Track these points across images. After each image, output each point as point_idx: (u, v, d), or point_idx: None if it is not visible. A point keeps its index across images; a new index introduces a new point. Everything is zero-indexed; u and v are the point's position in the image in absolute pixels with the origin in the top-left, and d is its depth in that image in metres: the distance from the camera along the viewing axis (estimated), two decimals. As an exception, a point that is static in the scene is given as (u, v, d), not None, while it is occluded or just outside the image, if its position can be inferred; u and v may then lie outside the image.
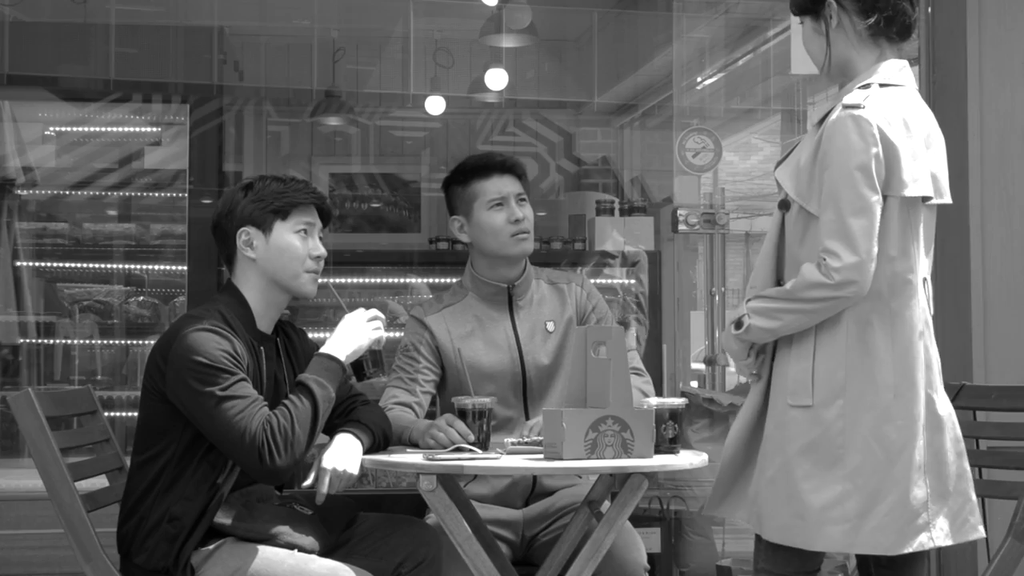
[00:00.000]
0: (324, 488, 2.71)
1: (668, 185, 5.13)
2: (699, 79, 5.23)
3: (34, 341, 5.04)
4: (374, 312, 2.87)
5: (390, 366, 3.15)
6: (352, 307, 2.90)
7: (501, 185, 3.21)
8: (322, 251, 2.86)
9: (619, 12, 5.92)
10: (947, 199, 2.63)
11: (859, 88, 2.54)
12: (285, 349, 2.92)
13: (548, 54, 6.25)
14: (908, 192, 2.48)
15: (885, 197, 2.47)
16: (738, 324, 2.58)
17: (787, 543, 2.52)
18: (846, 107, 2.48)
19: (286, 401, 2.68)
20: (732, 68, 5.20)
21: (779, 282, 2.59)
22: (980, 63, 3.85)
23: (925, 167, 2.53)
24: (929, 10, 4.02)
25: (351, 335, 2.81)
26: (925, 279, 2.57)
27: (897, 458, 2.46)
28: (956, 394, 3.16)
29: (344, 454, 2.74)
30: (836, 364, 2.48)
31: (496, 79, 5.84)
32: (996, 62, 3.85)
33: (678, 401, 2.81)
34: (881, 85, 2.53)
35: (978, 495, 3.15)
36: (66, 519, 2.66)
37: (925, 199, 2.54)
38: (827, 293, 2.45)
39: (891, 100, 2.52)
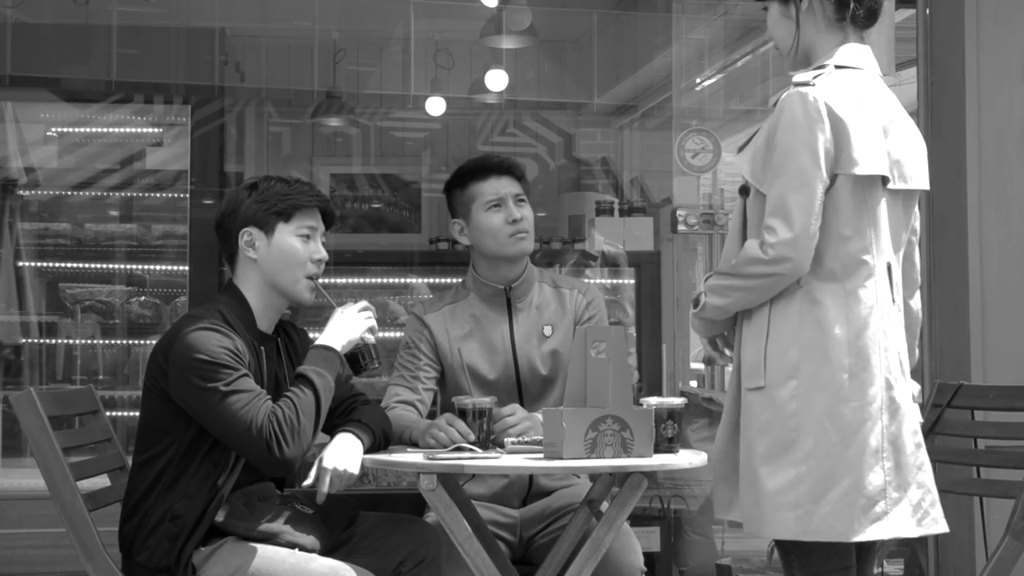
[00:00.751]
0: (325, 487, 2.72)
1: (667, 186, 5.15)
2: (698, 80, 5.24)
3: (36, 341, 5.06)
4: (364, 303, 2.89)
5: (389, 364, 3.16)
6: (343, 305, 2.92)
7: (498, 186, 3.21)
8: (324, 255, 2.87)
9: (619, 13, 5.93)
10: (915, 184, 2.58)
11: (813, 68, 2.53)
12: (286, 349, 2.93)
13: (548, 55, 6.26)
14: (859, 170, 2.44)
15: (836, 176, 2.45)
16: (695, 302, 2.58)
17: (750, 531, 2.49)
18: (795, 84, 2.47)
19: (288, 393, 2.70)
20: (731, 69, 5.21)
21: None
22: (978, 64, 3.84)
23: (881, 148, 2.49)
24: (927, 11, 4.02)
25: (344, 326, 2.83)
26: (889, 264, 2.52)
27: (852, 440, 2.42)
28: (954, 394, 3.16)
29: (345, 453, 2.75)
30: (788, 343, 2.46)
31: (496, 80, 5.85)
32: (994, 63, 3.85)
33: (677, 401, 2.81)
34: (837, 67, 2.51)
35: (976, 494, 3.16)
36: (68, 518, 2.66)
37: (884, 181, 2.50)
38: (764, 269, 2.44)
39: (845, 81, 2.50)
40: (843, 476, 2.41)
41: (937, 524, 2.53)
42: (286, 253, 2.82)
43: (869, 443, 2.42)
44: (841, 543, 2.46)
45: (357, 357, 2.88)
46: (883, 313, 2.48)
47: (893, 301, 2.52)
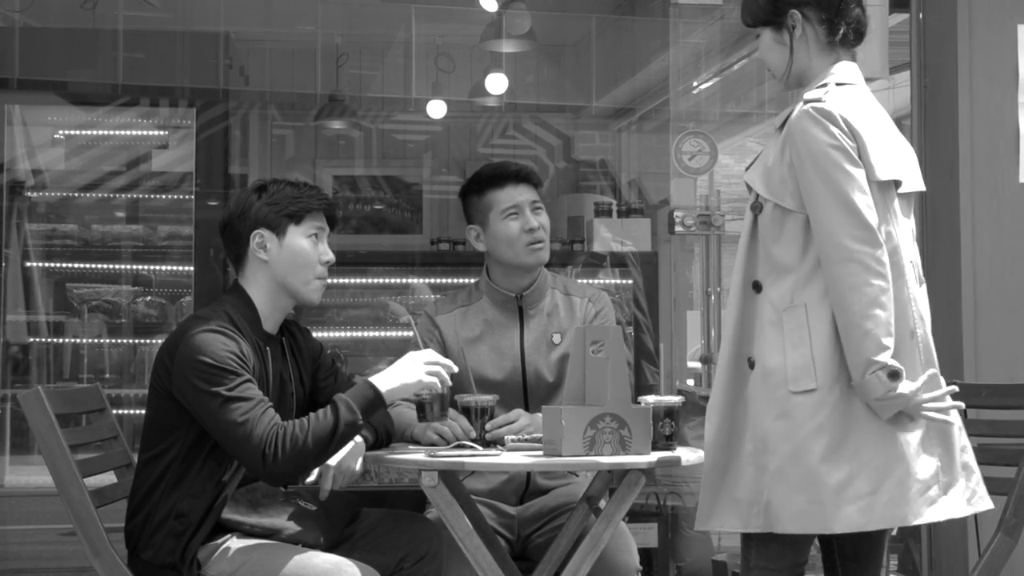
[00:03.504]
0: (328, 484, 2.75)
1: (665, 187, 5.16)
2: (695, 84, 5.25)
3: (44, 340, 5.07)
4: (435, 357, 2.79)
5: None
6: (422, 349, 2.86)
7: (515, 194, 3.23)
8: (331, 256, 2.90)
9: (617, 18, 5.94)
10: (917, 187, 2.66)
11: (818, 87, 2.59)
12: (291, 348, 2.95)
13: (547, 59, 6.27)
14: (881, 175, 2.51)
15: None
16: (894, 374, 2.45)
17: (804, 531, 2.53)
18: (807, 102, 2.53)
19: (311, 414, 2.69)
20: (727, 73, 5.22)
21: (754, 283, 2.61)
22: (970, 68, 3.87)
23: (894, 155, 2.57)
24: (920, 16, 4.04)
25: (402, 373, 2.75)
26: (912, 262, 2.59)
27: (900, 432, 2.48)
28: (947, 392, 3.23)
29: (347, 451, 2.79)
30: (833, 347, 2.50)
31: (496, 83, 5.86)
32: (986, 67, 3.88)
33: (675, 399, 2.84)
34: (838, 84, 2.58)
35: (968, 491, 3.21)
36: (75, 514, 2.68)
37: (896, 185, 2.57)
38: (866, 274, 2.44)
39: (848, 95, 2.56)
40: (895, 465, 2.47)
41: (984, 501, 2.61)
42: (297, 255, 2.85)
43: (917, 432, 2.50)
44: (800, 540, 2.55)
45: (423, 405, 2.84)
46: (914, 308, 2.56)
47: (918, 296, 2.59)
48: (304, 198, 2.87)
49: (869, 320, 2.44)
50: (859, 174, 2.48)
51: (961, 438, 2.59)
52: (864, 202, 2.46)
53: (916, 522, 2.50)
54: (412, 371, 2.74)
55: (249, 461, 2.65)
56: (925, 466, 2.49)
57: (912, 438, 2.50)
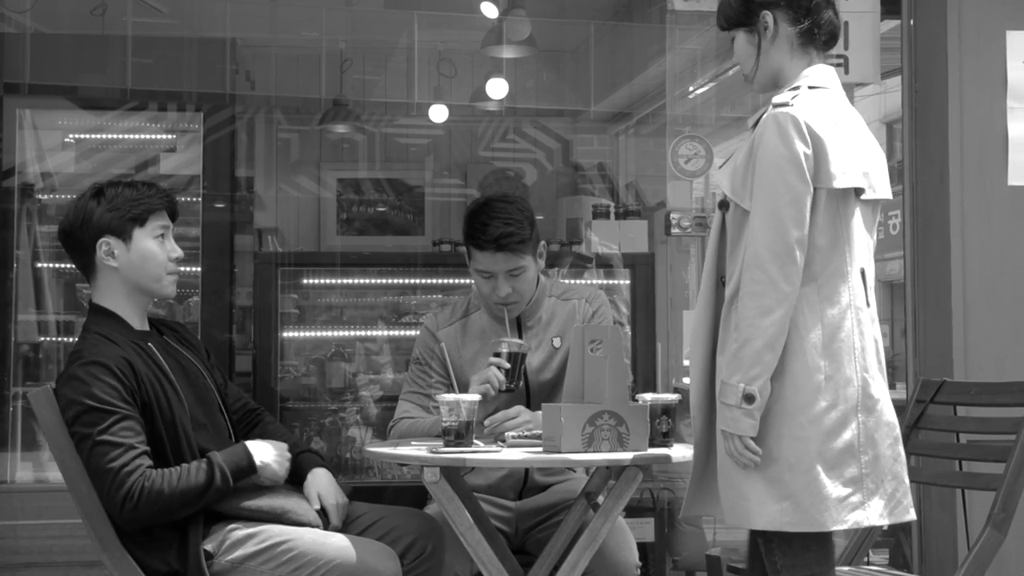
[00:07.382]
0: (335, 520, 2.85)
1: (661, 190, 5.18)
2: (691, 88, 5.27)
3: (54, 339, 5.06)
4: (282, 455, 2.87)
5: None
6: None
7: (491, 262, 3.14)
8: (179, 253, 2.90)
9: (614, 24, 5.97)
10: (883, 195, 2.67)
11: (789, 90, 2.61)
12: (179, 340, 2.97)
13: (547, 64, 6.31)
14: (837, 184, 2.53)
15: (815, 189, 2.52)
16: (749, 398, 2.50)
17: (734, 523, 2.58)
18: (775, 105, 2.56)
19: (185, 466, 2.71)
20: (723, 78, 5.24)
21: (721, 278, 2.65)
22: (960, 73, 3.90)
23: (855, 162, 2.59)
24: (911, 22, 4.08)
25: (274, 457, 2.83)
26: (863, 269, 2.60)
27: (829, 436, 2.50)
28: (937, 390, 3.24)
29: (334, 486, 2.90)
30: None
31: (497, 88, 5.91)
32: (975, 72, 3.91)
33: (671, 397, 2.89)
34: (810, 87, 2.61)
35: (958, 487, 3.21)
36: (84, 510, 2.71)
37: (858, 193, 2.59)
38: (775, 294, 2.49)
39: (819, 100, 2.59)
40: (821, 470, 2.49)
41: (908, 512, 2.61)
42: (146, 257, 2.84)
43: (845, 439, 2.51)
44: (821, 532, 2.55)
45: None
46: (857, 316, 2.56)
47: (868, 304, 2.60)
48: (145, 199, 2.86)
49: (753, 328, 2.48)
50: (802, 188, 2.50)
51: (896, 448, 2.59)
52: (793, 217, 2.48)
53: (832, 528, 2.51)
54: (280, 459, 2.83)
55: (108, 505, 2.66)
56: (850, 471, 2.51)
57: (842, 443, 2.51)
